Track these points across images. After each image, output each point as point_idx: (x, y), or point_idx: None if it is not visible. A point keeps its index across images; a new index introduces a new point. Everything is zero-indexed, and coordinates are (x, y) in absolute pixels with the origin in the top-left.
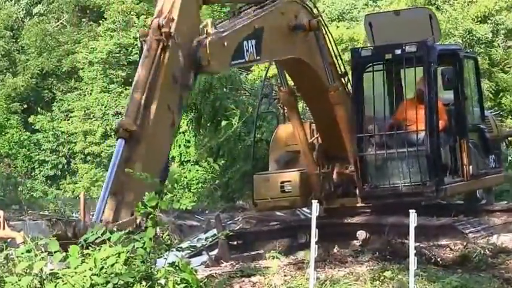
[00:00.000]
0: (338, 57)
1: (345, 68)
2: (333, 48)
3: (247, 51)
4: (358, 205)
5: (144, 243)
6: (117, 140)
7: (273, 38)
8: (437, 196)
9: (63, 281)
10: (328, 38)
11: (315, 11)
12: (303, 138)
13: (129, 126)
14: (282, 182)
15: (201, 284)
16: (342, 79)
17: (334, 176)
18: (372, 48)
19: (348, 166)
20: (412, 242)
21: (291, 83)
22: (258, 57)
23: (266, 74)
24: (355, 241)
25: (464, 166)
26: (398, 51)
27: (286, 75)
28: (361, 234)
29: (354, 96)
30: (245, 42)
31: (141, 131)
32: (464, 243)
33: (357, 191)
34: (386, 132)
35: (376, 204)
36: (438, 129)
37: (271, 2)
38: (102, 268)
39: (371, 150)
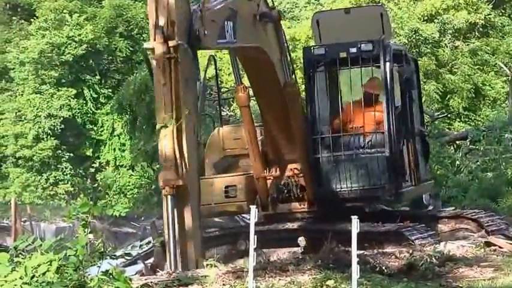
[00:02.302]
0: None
1: (292, 66)
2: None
3: (227, 31)
4: (305, 210)
5: (76, 250)
6: (164, 196)
7: (244, 23)
8: (396, 200)
9: None
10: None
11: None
12: (254, 140)
13: (175, 182)
14: (227, 187)
15: None
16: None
17: (281, 180)
18: (325, 46)
19: (295, 170)
20: (354, 250)
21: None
22: (235, 40)
23: (205, 75)
24: (296, 248)
25: (413, 170)
26: (353, 50)
27: (241, 71)
28: (302, 240)
29: (307, 96)
30: (226, 23)
31: (186, 180)
32: (410, 251)
33: (305, 196)
34: (341, 133)
35: (324, 210)
36: (396, 131)
37: None
38: (33, 276)
39: (326, 152)
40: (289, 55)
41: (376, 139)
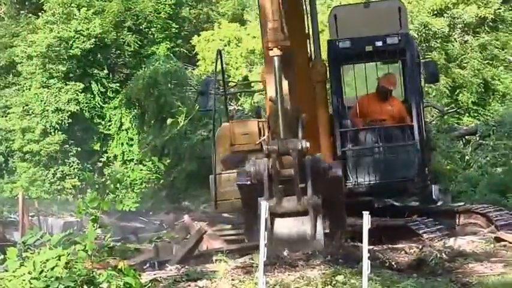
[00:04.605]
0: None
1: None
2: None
3: None
4: None
5: (85, 245)
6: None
7: None
8: (423, 195)
9: (0, 285)
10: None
11: None
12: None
13: (283, 42)
14: None
15: None
16: None
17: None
18: (349, 39)
19: None
20: (365, 245)
21: None
22: None
23: (216, 68)
24: None
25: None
26: (379, 43)
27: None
28: None
29: (333, 90)
30: None
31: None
32: (420, 247)
33: None
34: (371, 126)
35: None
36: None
37: None
38: (41, 272)
39: (353, 146)
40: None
41: (405, 132)
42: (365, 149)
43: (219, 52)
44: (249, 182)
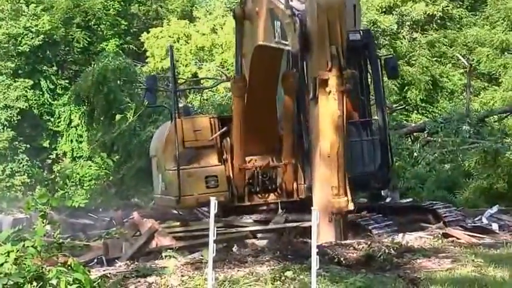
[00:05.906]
0: None
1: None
2: None
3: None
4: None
5: (34, 241)
6: None
7: None
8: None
9: None
10: None
11: None
12: (240, 130)
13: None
14: (207, 177)
15: (94, 284)
16: None
17: (258, 172)
18: None
19: (271, 161)
20: (314, 241)
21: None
22: None
23: (172, 60)
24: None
25: None
26: None
27: (244, 63)
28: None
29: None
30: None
31: None
32: (369, 242)
33: (285, 187)
34: None
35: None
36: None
37: None
38: None
39: None
40: None
41: (361, 127)
42: None
43: (171, 48)
44: None
